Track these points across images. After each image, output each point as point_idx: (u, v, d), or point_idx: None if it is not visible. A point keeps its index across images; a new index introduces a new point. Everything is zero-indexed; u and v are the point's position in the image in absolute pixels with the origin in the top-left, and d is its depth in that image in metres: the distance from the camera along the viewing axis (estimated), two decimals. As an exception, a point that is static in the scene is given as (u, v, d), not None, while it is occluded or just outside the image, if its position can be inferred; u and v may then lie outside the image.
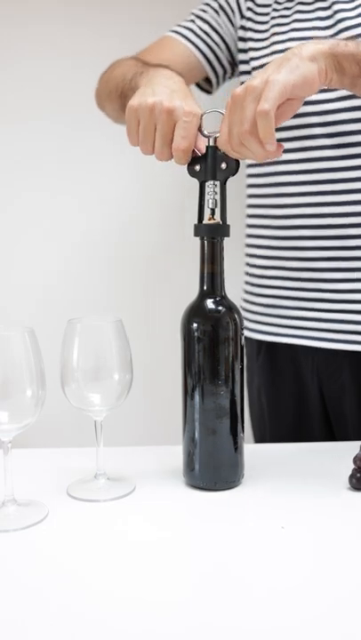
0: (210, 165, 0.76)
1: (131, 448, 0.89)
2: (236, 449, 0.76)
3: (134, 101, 0.82)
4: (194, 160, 0.77)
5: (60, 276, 1.47)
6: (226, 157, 0.75)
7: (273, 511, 0.71)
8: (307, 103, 1.00)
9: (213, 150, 0.76)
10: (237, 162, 0.76)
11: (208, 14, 1.13)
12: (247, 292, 1.17)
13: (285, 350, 1.11)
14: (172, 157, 0.80)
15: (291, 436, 1.10)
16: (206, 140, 0.78)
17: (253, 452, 0.85)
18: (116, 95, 1.01)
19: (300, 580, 0.58)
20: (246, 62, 1.11)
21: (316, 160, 1.02)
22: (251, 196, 1.15)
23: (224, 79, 1.18)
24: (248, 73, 1.11)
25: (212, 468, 0.76)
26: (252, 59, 1.08)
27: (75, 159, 1.44)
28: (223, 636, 0.50)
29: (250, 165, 1.14)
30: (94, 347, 0.74)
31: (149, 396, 1.43)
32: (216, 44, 1.13)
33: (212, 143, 0.76)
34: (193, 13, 1.15)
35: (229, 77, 1.19)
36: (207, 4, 1.14)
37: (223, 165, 0.76)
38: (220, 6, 1.13)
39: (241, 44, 1.12)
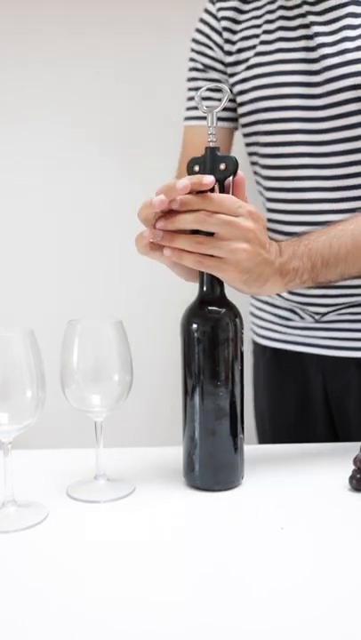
0: (208, 166, 0.76)
1: (131, 449, 0.89)
2: (235, 450, 0.76)
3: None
4: (193, 161, 0.77)
5: (60, 276, 1.47)
6: (224, 158, 0.75)
7: (273, 512, 0.71)
8: (299, 144, 1.00)
9: (212, 151, 0.76)
10: (236, 162, 0.75)
11: (197, 81, 1.12)
12: (254, 298, 1.17)
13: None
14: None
15: (293, 435, 1.11)
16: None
17: (253, 453, 0.85)
18: None
19: (299, 580, 0.58)
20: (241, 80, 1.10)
21: (306, 201, 1.02)
22: None
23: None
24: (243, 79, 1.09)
25: (212, 468, 0.76)
26: (235, 82, 1.08)
27: (75, 159, 1.45)
28: (223, 636, 0.50)
29: None
30: (94, 348, 0.74)
31: (149, 397, 1.43)
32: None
33: (211, 140, 0.76)
34: (188, 88, 1.13)
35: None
36: (192, 69, 1.12)
37: (222, 166, 0.75)
38: (204, 65, 1.11)
39: (234, 78, 1.10)
